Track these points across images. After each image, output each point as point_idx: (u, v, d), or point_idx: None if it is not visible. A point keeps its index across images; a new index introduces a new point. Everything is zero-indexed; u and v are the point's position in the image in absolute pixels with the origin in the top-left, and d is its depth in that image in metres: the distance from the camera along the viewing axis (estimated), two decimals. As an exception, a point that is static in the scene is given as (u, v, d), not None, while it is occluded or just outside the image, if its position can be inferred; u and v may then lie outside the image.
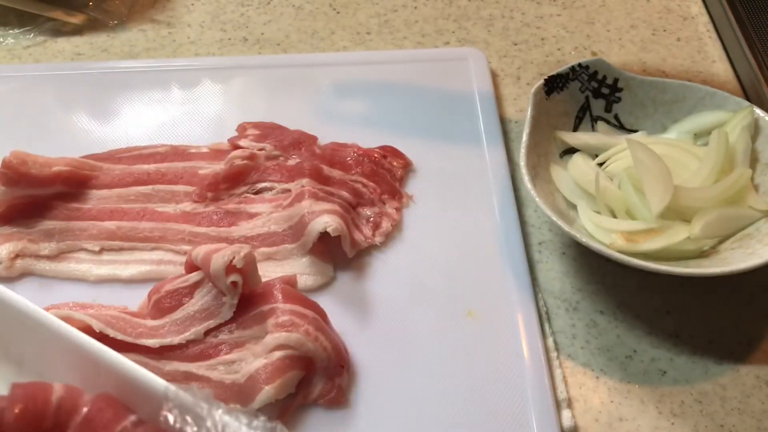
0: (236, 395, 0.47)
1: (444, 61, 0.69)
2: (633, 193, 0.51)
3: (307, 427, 0.46)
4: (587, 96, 0.58)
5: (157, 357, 0.48)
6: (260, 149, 0.59)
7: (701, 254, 0.51)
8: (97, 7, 0.73)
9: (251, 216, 0.55)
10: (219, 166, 0.58)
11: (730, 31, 0.70)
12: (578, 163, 0.56)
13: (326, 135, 0.61)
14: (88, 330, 0.48)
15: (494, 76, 0.69)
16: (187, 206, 0.56)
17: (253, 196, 0.57)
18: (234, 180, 0.57)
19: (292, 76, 0.67)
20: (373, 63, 0.68)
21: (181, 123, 0.63)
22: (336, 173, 0.57)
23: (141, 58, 0.70)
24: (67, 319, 0.48)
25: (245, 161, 0.57)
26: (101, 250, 0.54)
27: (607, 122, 0.59)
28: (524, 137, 0.53)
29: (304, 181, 0.56)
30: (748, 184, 0.52)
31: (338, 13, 0.75)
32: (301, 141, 0.59)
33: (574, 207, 0.55)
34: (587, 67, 0.57)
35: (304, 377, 0.47)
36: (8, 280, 0.53)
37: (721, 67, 0.70)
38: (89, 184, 0.57)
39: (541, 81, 0.56)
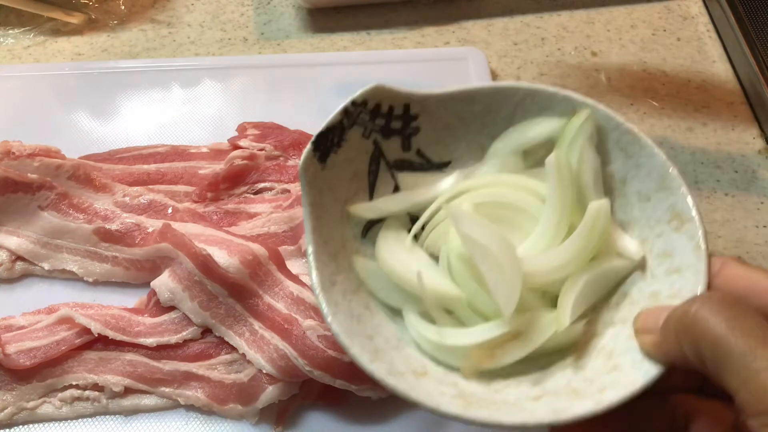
0: (237, 395, 0.47)
1: (444, 61, 0.68)
2: (471, 280, 0.38)
3: (307, 427, 0.47)
4: (375, 140, 0.42)
5: (157, 356, 0.48)
6: (260, 149, 0.59)
7: (575, 346, 0.38)
8: (97, 7, 0.73)
9: (251, 216, 0.55)
10: (219, 166, 0.58)
11: (730, 31, 0.70)
12: (387, 246, 0.40)
13: (326, 135, 0.61)
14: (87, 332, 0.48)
15: (494, 76, 0.69)
16: (187, 206, 0.56)
17: (252, 196, 0.57)
18: (234, 180, 0.57)
19: (292, 76, 0.67)
20: (373, 63, 0.68)
21: (181, 123, 0.63)
22: (336, 174, 0.58)
23: (141, 58, 0.70)
24: (68, 320, 0.49)
25: (245, 161, 0.57)
26: (101, 251, 0.54)
27: (411, 164, 0.43)
28: (308, 244, 0.37)
29: (305, 182, 0.56)
30: (610, 221, 0.38)
31: (338, 12, 0.75)
32: (302, 141, 0.59)
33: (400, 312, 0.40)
34: (364, 103, 0.40)
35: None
36: (8, 281, 0.53)
37: (722, 67, 0.70)
38: (89, 185, 0.57)
39: (309, 146, 0.39)
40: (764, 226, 0.60)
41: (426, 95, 0.41)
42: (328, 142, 0.39)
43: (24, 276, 0.53)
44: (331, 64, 0.68)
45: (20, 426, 0.47)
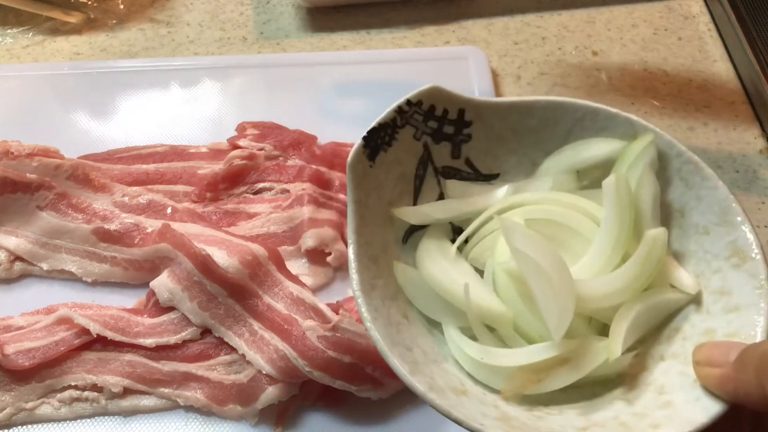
0: (236, 396, 0.47)
1: (444, 60, 0.68)
2: (517, 298, 0.36)
3: (307, 427, 0.46)
4: (425, 143, 0.40)
5: (156, 357, 0.48)
6: (260, 149, 0.59)
7: (622, 378, 0.36)
8: (96, 7, 0.72)
9: (250, 216, 0.55)
10: (218, 166, 0.57)
11: (731, 30, 0.70)
12: (430, 255, 0.39)
13: (326, 135, 0.61)
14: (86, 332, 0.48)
15: (494, 75, 0.69)
16: (186, 206, 0.56)
17: (252, 196, 0.57)
18: (233, 180, 0.57)
19: (292, 76, 0.67)
20: (373, 62, 0.68)
21: (180, 123, 0.63)
22: (336, 175, 0.57)
23: (140, 58, 0.70)
24: (66, 320, 0.48)
25: (244, 161, 0.57)
26: (100, 251, 0.54)
27: (458, 172, 0.42)
28: (350, 244, 0.35)
29: (306, 185, 0.55)
30: (666, 252, 0.37)
31: (338, 12, 0.75)
32: (301, 141, 0.59)
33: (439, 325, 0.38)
34: (420, 103, 0.39)
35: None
36: (7, 281, 0.53)
37: (723, 67, 0.70)
38: (88, 184, 0.57)
39: (359, 142, 0.37)
40: (765, 226, 0.60)
41: (483, 102, 0.40)
42: (378, 139, 0.38)
43: (23, 276, 0.53)
44: (330, 64, 0.68)
45: (19, 427, 0.46)
